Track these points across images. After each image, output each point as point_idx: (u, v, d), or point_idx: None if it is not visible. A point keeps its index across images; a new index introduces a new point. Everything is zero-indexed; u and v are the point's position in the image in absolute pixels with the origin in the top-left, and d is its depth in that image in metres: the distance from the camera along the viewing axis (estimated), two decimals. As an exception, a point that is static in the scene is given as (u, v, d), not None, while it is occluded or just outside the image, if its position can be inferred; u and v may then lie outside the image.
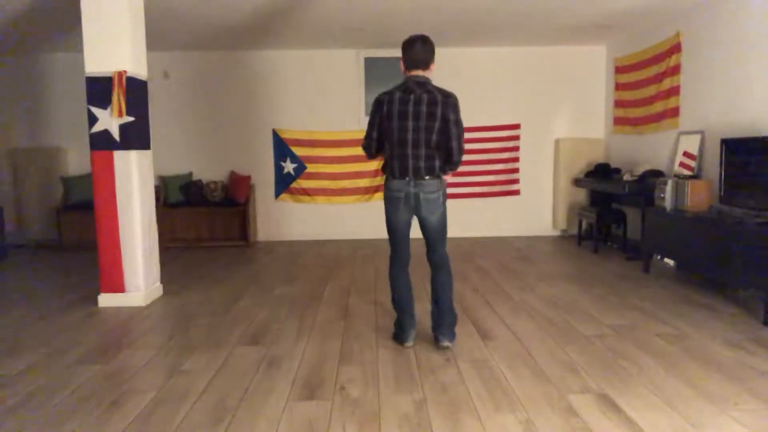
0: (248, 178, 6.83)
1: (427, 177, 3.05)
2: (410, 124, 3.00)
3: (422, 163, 3.04)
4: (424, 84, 3.05)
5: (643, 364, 2.89)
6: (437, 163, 3.08)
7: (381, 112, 3.08)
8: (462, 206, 7.04)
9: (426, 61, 3.06)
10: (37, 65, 6.87)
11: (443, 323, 3.17)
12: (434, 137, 3.02)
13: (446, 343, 3.15)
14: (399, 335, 3.27)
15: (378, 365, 2.95)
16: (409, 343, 3.21)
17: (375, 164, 6.75)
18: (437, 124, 3.00)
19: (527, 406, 2.45)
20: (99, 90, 4.02)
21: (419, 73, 3.07)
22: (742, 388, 2.60)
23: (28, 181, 6.86)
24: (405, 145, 3.03)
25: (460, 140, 3.06)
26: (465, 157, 7.31)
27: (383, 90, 3.14)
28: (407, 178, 3.06)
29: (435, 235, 3.17)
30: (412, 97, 3.01)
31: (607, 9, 5.15)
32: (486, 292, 4.38)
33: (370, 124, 3.16)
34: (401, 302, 3.25)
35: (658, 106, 5.59)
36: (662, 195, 4.73)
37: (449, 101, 3.02)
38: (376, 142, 3.17)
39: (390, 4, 4.90)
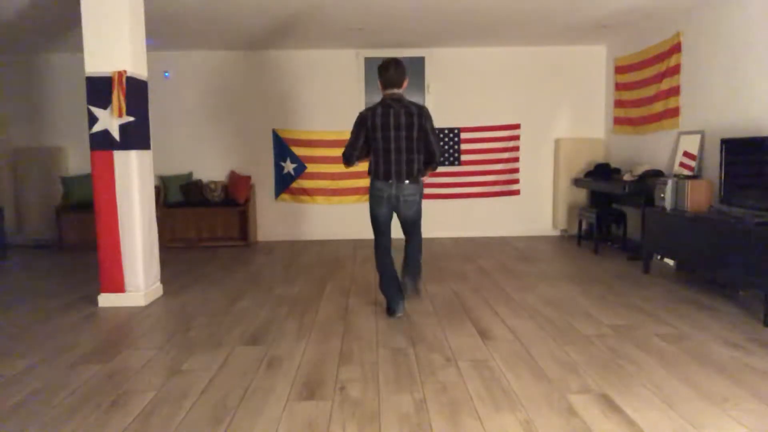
0: (248, 178, 6.83)
1: (407, 180, 3.58)
2: (392, 134, 3.54)
3: (403, 167, 3.57)
4: (400, 99, 3.58)
5: (643, 364, 2.90)
6: (416, 167, 3.60)
7: (366, 126, 3.57)
8: (462, 206, 7.04)
9: (399, 81, 3.59)
10: (37, 65, 6.87)
11: (407, 273, 3.78)
12: (414, 144, 3.55)
13: (408, 291, 3.78)
14: (390, 309, 3.79)
15: (378, 365, 2.95)
16: (399, 314, 3.76)
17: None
18: (415, 133, 3.54)
19: (527, 406, 2.45)
20: (99, 90, 4.02)
21: (395, 91, 3.59)
22: (742, 388, 2.60)
23: (28, 181, 6.86)
24: (389, 152, 3.56)
25: (438, 144, 3.68)
26: (465, 157, 7.35)
27: (380, 93, 3.65)
28: (390, 181, 3.59)
29: (411, 224, 3.77)
30: (391, 111, 3.54)
31: (607, 9, 5.15)
32: (486, 292, 4.39)
33: (355, 137, 3.64)
34: (387, 286, 3.77)
35: (658, 106, 5.59)
36: (662, 195, 4.73)
37: (423, 112, 3.58)
38: (358, 152, 3.67)
39: (390, 4, 4.90)
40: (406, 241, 3.84)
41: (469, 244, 6.60)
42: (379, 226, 3.75)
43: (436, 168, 3.78)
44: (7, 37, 5.89)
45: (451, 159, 6.96)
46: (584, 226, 6.62)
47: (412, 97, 4.87)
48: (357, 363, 2.99)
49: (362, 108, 6.81)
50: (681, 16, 5.22)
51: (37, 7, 4.80)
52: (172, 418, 2.40)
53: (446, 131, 6.87)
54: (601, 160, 6.76)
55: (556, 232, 7.12)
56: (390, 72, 3.57)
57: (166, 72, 6.83)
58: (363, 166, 6.71)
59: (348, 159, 3.69)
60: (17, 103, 6.92)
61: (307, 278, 4.99)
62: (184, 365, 2.99)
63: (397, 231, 3.86)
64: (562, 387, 2.64)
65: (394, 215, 3.77)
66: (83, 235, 6.48)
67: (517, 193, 7.07)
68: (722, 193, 4.28)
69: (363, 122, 3.59)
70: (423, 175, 3.72)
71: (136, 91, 4.15)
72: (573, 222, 6.79)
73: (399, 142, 3.54)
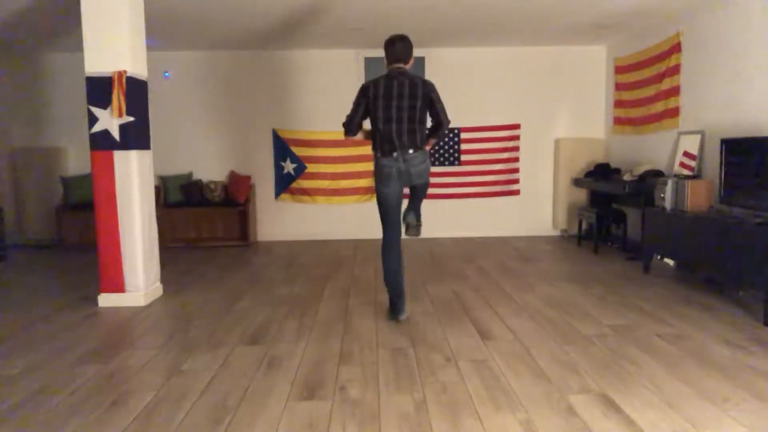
0: (248, 178, 6.83)
1: (410, 150, 3.50)
2: (394, 103, 3.47)
3: (405, 137, 3.49)
4: (405, 72, 3.54)
5: (643, 364, 2.90)
6: (418, 137, 3.52)
7: (367, 97, 3.52)
8: (462, 206, 7.04)
9: (405, 57, 3.54)
10: (37, 65, 6.87)
11: (411, 208, 3.82)
12: (417, 114, 3.48)
13: (411, 231, 3.81)
14: (391, 311, 3.73)
15: (378, 365, 2.95)
16: (402, 316, 3.68)
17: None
18: (419, 103, 3.48)
19: (527, 406, 2.45)
20: (99, 90, 4.02)
21: (400, 65, 3.55)
22: (743, 388, 2.60)
23: (28, 181, 6.86)
24: (390, 121, 3.48)
25: (445, 111, 3.60)
26: (465, 157, 7.33)
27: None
28: (395, 154, 3.50)
29: (420, 191, 3.77)
30: (395, 82, 3.49)
31: (607, 9, 5.15)
32: (486, 292, 4.38)
33: (356, 106, 3.58)
34: (392, 283, 3.68)
35: (658, 106, 5.59)
36: (662, 195, 4.73)
37: (427, 83, 3.54)
38: (358, 122, 3.61)
39: (390, 4, 4.90)
40: (412, 194, 3.85)
41: (469, 244, 6.59)
42: (389, 210, 3.61)
43: (444, 130, 3.66)
44: (7, 37, 5.89)
45: (451, 159, 6.96)
46: (584, 226, 6.62)
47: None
48: (357, 363, 2.99)
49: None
50: (681, 16, 5.22)
51: (37, 7, 4.80)
52: (172, 418, 2.40)
53: (446, 131, 6.87)
54: (601, 160, 6.76)
55: (556, 232, 7.12)
56: (396, 46, 3.51)
57: (166, 72, 6.84)
58: (365, 166, 6.82)
59: (348, 127, 3.60)
60: (17, 103, 6.92)
61: (307, 278, 4.99)
62: (184, 365, 2.99)
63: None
64: (562, 387, 2.64)
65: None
66: (83, 235, 6.48)
67: (517, 193, 7.07)
68: (722, 193, 4.28)
69: (364, 92, 3.53)
70: (426, 144, 3.62)
71: (136, 91, 4.15)
72: (573, 222, 6.79)
73: (401, 112, 3.46)
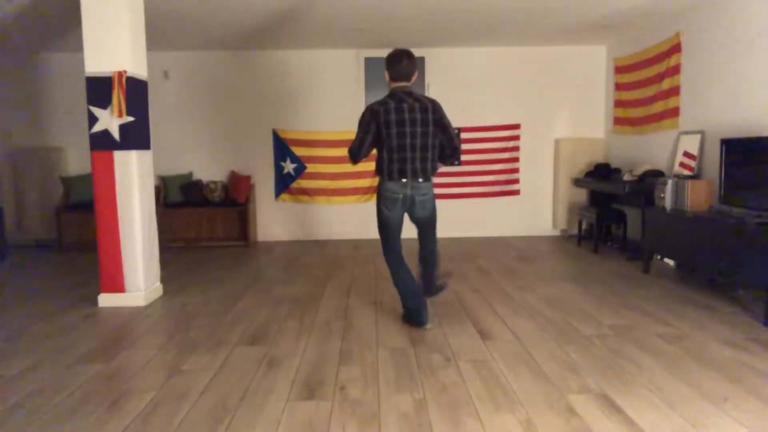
0: (248, 178, 6.83)
1: (420, 179, 3.39)
2: (408, 130, 3.31)
3: (418, 165, 3.37)
4: (411, 93, 3.38)
5: (643, 364, 2.89)
6: (430, 165, 3.41)
7: (378, 121, 3.33)
8: (462, 206, 7.04)
9: (410, 74, 3.40)
10: (37, 65, 6.87)
11: (423, 292, 3.57)
12: (429, 141, 3.36)
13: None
14: (415, 318, 3.52)
15: (378, 365, 2.95)
16: (429, 325, 3.48)
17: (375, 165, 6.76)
18: (431, 128, 3.35)
19: (527, 406, 2.45)
20: (99, 90, 4.02)
21: (404, 83, 3.40)
22: (743, 388, 2.60)
23: (28, 181, 6.86)
24: (404, 149, 3.33)
25: (455, 135, 3.48)
26: (465, 157, 7.36)
27: (381, 93, 3.47)
28: (404, 180, 3.37)
29: (426, 226, 3.59)
30: (405, 106, 3.32)
31: (607, 9, 5.15)
32: (486, 292, 4.38)
33: (364, 132, 3.39)
34: (408, 289, 3.52)
35: (658, 106, 5.59)
36: (662, 195, 4.73)
37: (436, 106, 3.39)
38: (366, 151, 3.45)
39: (390, 4, 4.90)
40: (422, 248, 3.63)
41: (469, 244, 6.59)
42: (390, 232, 3.50)
43: (456, 156, 3.52)
44: (7, 37, 5.89)
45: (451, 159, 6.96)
46: (584, 226, 6.62)
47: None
48: (357, 363, 2.99)
49: (362, 108, 6.85)
50: (681, 16, 5.22)
51: (37, 7, 4.80)
52: (172, 418, 2.40)
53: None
54: (601, 160, 6.77)
55: (556, 232, 7.12)
56: (402, 64, 3.34)
57: (165, 72, 6.84)
58: (365, 166, 6.81)
59: (356, 156, 3.45)
60: (17, 103, 6.92)
61: (307, 278, 4.99)
62: (184, 365, 2.99)
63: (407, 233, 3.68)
64: (562, 387, 2.64)
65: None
66: (83, 235, 6.49)
67: (517, 193, 7.07)
68: (722, 193, 4.28)
69: (375, 117, 3.33)
70: (437, 171, 3.52)
71: (136, 91, 4.15)
72: (573, 222, 6.79)
73: (414, 139, 3.31)
